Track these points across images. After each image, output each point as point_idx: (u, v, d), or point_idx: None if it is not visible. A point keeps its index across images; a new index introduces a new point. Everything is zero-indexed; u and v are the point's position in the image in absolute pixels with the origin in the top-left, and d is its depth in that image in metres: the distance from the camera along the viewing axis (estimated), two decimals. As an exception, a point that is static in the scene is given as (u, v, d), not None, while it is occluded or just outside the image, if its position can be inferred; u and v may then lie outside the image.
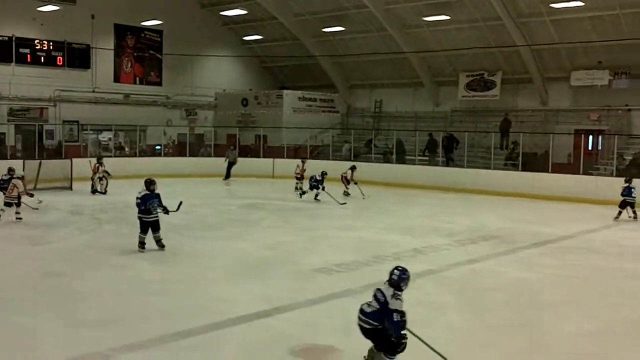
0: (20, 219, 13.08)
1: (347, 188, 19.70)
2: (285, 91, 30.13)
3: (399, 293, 5.30)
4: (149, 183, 10.27)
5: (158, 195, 10.29)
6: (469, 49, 25.30)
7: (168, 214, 10.38)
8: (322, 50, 29.75)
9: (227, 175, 24.25)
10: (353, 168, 20.19)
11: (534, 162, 22.44)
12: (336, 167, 25.46)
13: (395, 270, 5.40)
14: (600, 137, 23.51)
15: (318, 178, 18.27)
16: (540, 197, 19.41)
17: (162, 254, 10.05)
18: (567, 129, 23.48)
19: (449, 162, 24.46)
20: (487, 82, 26.06)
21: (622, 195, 15.60)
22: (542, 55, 24.37)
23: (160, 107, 29.33)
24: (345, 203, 17.78)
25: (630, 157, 21.19)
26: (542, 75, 24.88)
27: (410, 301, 7.69)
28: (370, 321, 5.26)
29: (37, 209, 14.26)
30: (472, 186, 21.49)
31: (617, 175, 20.16)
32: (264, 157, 27.02)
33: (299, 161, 21.48)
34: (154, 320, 6.86)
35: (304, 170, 20.71)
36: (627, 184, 15.68)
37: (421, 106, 28.66)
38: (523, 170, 21.76)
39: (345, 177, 19.89)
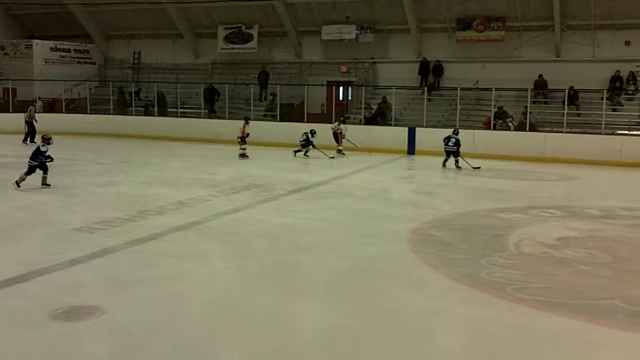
0: None
1: (340, 144, 19.25)
2: (35, 41, 27.79)
3: None
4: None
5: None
6: (226, 1, 25.39)
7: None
8: (73, -2, 27.73)
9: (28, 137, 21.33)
10: (343, 121, 19.78)
11: (291, 113, 23.52)
12: (98, 122, 24.28)
13: None
14: (350, 88, 25.30)
15: (310, 138, 18.41)
16: (298, 146, 20.38)
17: None
18: (320, 81, 24.95)
19: (210, 114, 24.61)
20: (245, 35, 26.49)
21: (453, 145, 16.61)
22: (295, 9, 25.32)
23: None
24: (333, 157, 18.18)
25: (376, 107, 23.15)
26: (296, 29, 25.91)
27: (174, 253, 7.81)
28: None
29: None
30: (233, 137, 21.85)
31: (365, 124, 22.00)
32: (14, 112, 24.72)
33: (242, 122, 18.64)
34: None
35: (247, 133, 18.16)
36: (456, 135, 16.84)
37: (181, 58, 28.28)
38: (281, 120, 22.72)
39: (339, 133, 19.37)
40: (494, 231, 9.28)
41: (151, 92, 26.10)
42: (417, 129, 20.47)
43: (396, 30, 24.65)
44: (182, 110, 24.91)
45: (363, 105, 23.01)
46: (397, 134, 20.18)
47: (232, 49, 26.93)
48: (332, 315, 5.88)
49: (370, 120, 22.36)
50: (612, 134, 19.17)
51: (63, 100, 26.00)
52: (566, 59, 22.28)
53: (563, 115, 19.93)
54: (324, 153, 18.36)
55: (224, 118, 23.79)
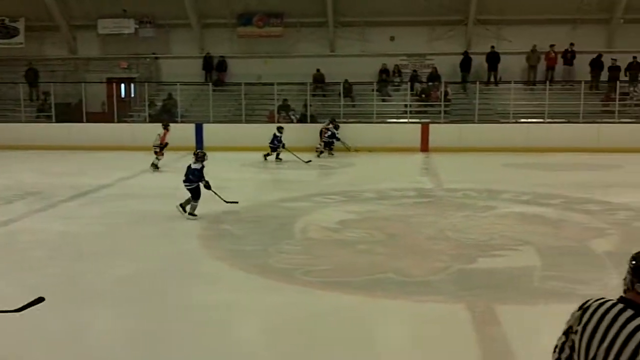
0: None
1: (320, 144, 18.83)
2: None
3: None
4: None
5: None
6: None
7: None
8: None
9: None
10: (333, 121, 19.30)
11: (69, 113, 22.24)
12: None
13: None
14: (132, 85, 24.53)
15: (277, 134, 17.08)
16: (78, 148, 19.41)
17: None
18: (99, 78, 23.85)
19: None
20: (10, 28, 24.38)
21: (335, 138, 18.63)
22: (66, 1, 23.92)
23: None
24: (310, 161, 16.40)
25: (161, 103, 22.72)
26: (69, 23, 24.48)
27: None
28: None
29: None
30: (1, 142, 20.16)
31: (150, 122, 21.49)
32: None
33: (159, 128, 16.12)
34: None
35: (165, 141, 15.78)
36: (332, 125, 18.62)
37: None
38: (58, 121, 21.38)
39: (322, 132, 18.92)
40: (282, 220, 9.67)
41: None
42: (204, 125, 20.52)
43: (177, 25, 24.33)
44: None
45: (147, 103, 22.45)
46: (184, 131, 20.03)
47: (-4, 44, 24.71)
48: (127, 320, 5.76)
49: (155, 118, 21.91)
50: (383, 122, 20.83)
51: None
52: (340, 54, 23.65)
53: (340, 107, 21.21)
54: (297, 157, 16.88)
55: (-10, 120, 21.82)
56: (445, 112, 21.06)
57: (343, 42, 23.74)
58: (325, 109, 22.14)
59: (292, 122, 21.17)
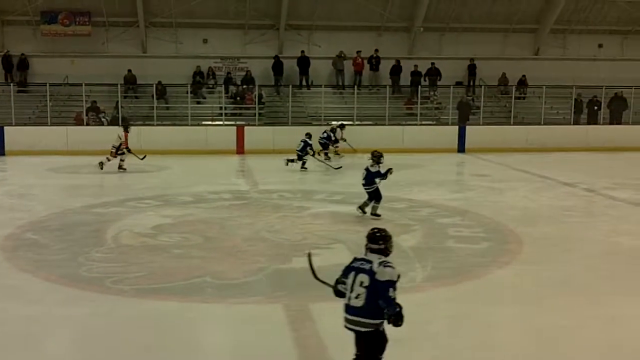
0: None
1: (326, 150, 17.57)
2: None
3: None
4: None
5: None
6: None
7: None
8: None
9: None
10: (342, 127, 18.67)
11: None
12: None
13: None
14: None
15: (309, 142, 15.45)
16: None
17: None
18: None
19: None
20: None
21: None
22: None
23: None
24: (340, 167, 14.89)
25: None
26: None
27: None
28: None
29: None
30: None
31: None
32: None
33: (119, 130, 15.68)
34: None
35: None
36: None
37: None
38: None
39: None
40: (92, 227, 9.26)
41: None
42: (5, 128, 19.00)
43: (-29, 21, 22.27)
44: None
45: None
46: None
47: None
48: None
49: None
50: (198, 125, 20.68)
51: None
52: (152, 55, 23.04)
53: (153, 109, 20.65)
54: (327, 163, 16.17)
55: None
56: (259, 114, 21.35)
57: (155, 42, 23.18)
58: (138, 111, 21.48)
59: (102, 124, 20.26)
